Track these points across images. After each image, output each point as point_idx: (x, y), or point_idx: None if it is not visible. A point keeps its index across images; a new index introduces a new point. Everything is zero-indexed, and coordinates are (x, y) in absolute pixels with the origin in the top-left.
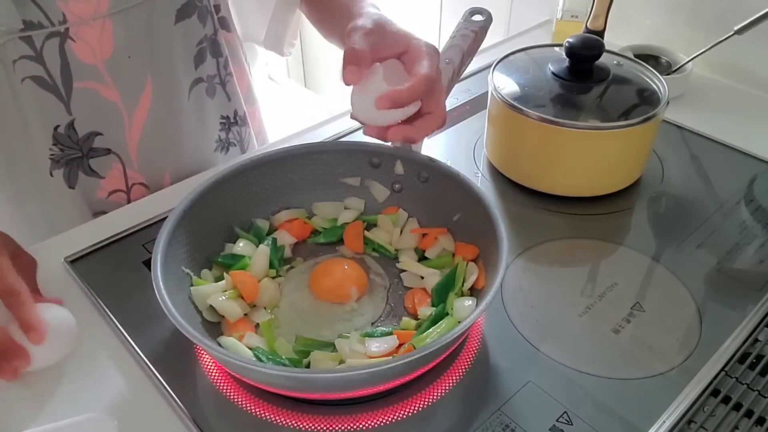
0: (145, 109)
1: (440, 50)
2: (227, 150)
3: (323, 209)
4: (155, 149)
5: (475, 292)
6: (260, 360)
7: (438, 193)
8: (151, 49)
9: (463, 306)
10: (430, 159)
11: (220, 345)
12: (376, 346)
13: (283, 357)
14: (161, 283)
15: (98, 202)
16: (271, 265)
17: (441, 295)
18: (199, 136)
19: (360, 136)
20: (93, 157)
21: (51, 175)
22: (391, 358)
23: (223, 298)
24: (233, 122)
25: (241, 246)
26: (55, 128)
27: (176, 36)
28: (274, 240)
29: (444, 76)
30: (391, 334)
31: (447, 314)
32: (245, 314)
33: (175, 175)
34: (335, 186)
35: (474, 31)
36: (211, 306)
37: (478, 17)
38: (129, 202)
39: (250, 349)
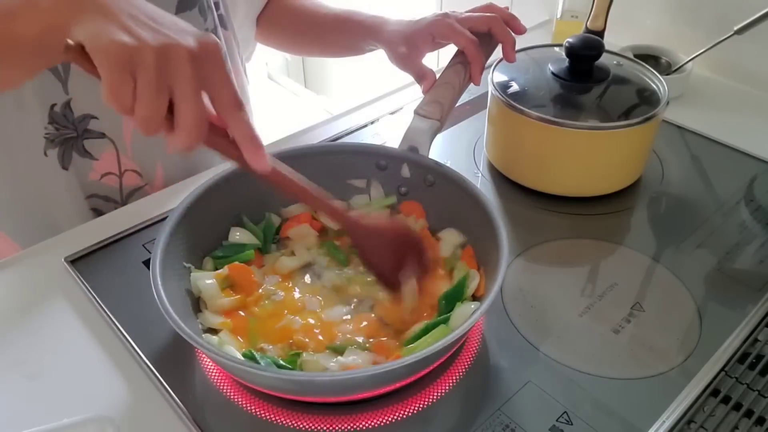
0: None
1: (454, 53)
2: None
3: None
4: (150, 139)
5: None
6: (257, 362)
7: (443, 198)
8: None
9: (463, 312)
10: (436, 163)
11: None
12: (352, 359)
13: (276, 357)
14: (160, 287)
15: (91, 185)
16: (264, 241)
17: (450, 303)
18: None
19: (364, 137)
20: (87, 138)
21: (45, 155)
22: (390, 362)
23: (209, 281)
24: None
25: (238, 235)
26: (52, 107)
27: None
28: (270, 217)
29: (456, 79)
30: (366, 349)
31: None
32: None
33: (168, 166)
34: (340, 187)
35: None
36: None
37: None
38: (121, 186)
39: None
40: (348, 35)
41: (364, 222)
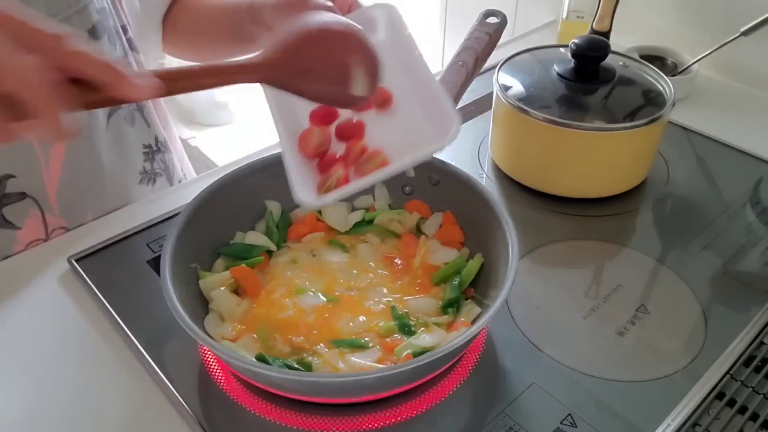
0: (63, 144)
1: (454, 53)
2: (154, 182)
3: (330, 210)
4: (76, 189)
5: (480, 290)
6: (266, 362)
7: (448, 197)
8: None
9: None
10: (442, 162)
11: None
12: (356, 359)
13: (291, 360)
14: (170, 285)
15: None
16: (271, 236)
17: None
18: (122, 169)
19: None
20: (6, 205)
21: None
22: (400, 363)
23: (223, 288)
24: (156, 150)
25: (252, 237)
26: None
27: None
28: (285, 214)
29: (457, 78)
30: (368, 347)
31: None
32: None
33: (99, 214)
34: None
35: (488, 33)
36: None
37: (492, 19)
38: None
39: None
40: (238, 24)
41: (291, 49)
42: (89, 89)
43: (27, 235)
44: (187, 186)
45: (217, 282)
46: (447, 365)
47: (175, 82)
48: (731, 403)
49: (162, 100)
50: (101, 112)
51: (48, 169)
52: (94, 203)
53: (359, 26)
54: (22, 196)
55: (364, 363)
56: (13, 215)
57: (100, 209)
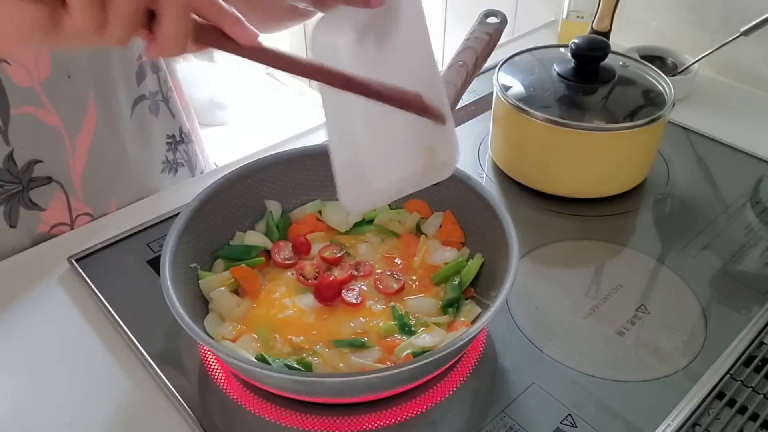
0: (90, 132)
1: (454, 53)
2: (176, 171)
3: (330, 210)
4: (100, 176)
5: (480, 290)
6: (266, 362)
7: (448, 197)
8: (92, 66)
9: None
10: None
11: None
12: (356, 359)
13: (291, 360)
14: (170, 285)
15: (39, 238)
16: (271, 236)
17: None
18: (144, 158)
19: None
20: (33, 188)
21: None
22: (400, 363)
23: (223, 288)
24: (179, 140)
25: (251, 237)
26: None
27: (114, 51)
28: (285, 214)
29: (457, 78)
30: (368, 347)
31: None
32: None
33: (121, 202)
34: None
35: (488, 33)
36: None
37: (492, 19)
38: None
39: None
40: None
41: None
42: (206, 28)
43: (51, 217)
44: (188, 186)
45: (217, 282)
46: (447, 365)
47: (268, 54)
48: (731, 403)
49: (184, 93)
50: (125, 102)
51: (74, 156)
52: (117, 190)
53: None
54: (48, 180)
55: (364, 363)
56: (38, 197)
57: (123, 196)
